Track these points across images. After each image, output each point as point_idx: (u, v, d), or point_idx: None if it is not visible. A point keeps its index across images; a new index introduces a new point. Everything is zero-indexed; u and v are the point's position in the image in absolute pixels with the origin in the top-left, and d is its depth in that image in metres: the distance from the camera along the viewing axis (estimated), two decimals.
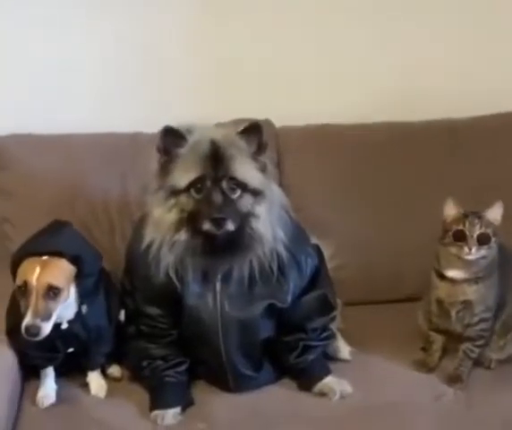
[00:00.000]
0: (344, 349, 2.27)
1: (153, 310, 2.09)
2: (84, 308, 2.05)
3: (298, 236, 2.16)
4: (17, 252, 2.04)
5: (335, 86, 2.74)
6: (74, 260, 2.00)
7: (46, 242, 2.02)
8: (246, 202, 2.00)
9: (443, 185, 2.46)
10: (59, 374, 2.12)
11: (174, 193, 1.99)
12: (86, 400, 2.10)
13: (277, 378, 2.19)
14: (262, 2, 2.69)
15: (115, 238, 2.43)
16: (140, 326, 2.12)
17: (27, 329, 1.89)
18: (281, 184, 2.44)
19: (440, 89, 2.74)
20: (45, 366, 2.09)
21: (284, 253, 2.08)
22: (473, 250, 2.09)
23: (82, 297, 2.05)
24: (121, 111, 2.64)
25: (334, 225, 2.51)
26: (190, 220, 1.99)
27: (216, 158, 1.97)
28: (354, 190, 2.58)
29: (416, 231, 2.50)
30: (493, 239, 2.11)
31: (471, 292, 2.14)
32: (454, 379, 2.16)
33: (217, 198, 1.95)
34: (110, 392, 2.13)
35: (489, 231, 2.10)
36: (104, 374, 2.18)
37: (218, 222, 1.95)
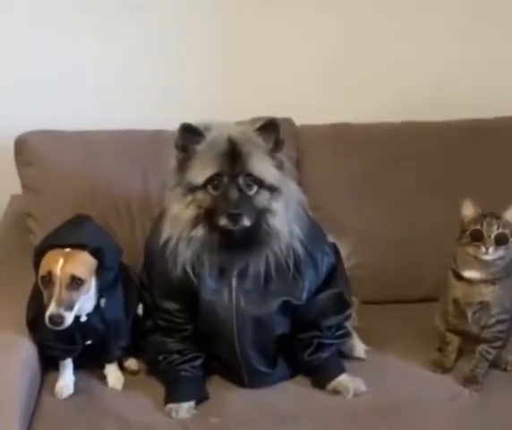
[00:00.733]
0: (359, 348, 2.28)
1: (170, 304, 2.12)
2: (103, 301, 2.09)
3: (315, 233, 2.17)
4: (40, 244, 2.08)
5: (357, 85, 2.76)
6: (96, 253, 2.03)
7: (69, 235, 2.05)
8: (263, 198, 2.02)
9: (463, 186, 2.46)
10: (77, 366, 2.16)
11: (192, 189, 2.01)
12: (103, 392, 2.13)
13: (292, 375, 2.20)
14: (281, 2, 2.70)
15: (135, 234, 2.46)
16: (157, 320, 2.15)
17: (50, 317, 1.93)
18: (301, 183, 2.44)
19: (467, 88, 2.74)
20: (64, 358, 2.12)
21: (300, 250, 2.09)
22: (491, 250, 2.08)
23: (101, 291, 2.08)
24: (144, 108, 2.69)
25: (352, 224, 2.51)
26: (207, 216, 2.02)
27: (233, 154, 1.99)
28: (373, 189, 2.58)
29: (434, 231, 2.50)
30: (511, 240, 2.09)
31: (488, 293, 2.13)
32: (470, 380, 2.16)
33: (234, 194, 1.97)
34: (127, 385, 2.16)
35: (507, 232, 2.09)
36: (121, 366, 2.21)
37: (235, 218, 1.97)
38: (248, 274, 2.07)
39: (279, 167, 2.05)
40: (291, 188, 2.10)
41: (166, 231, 2.06)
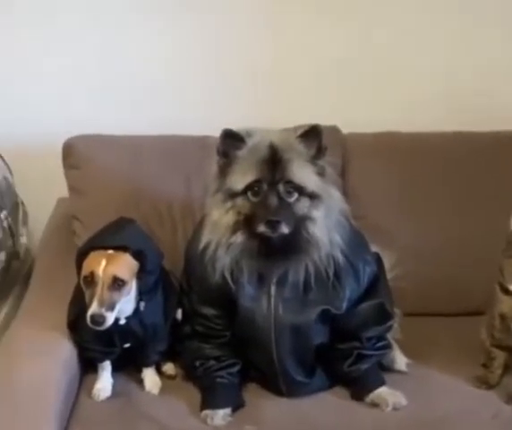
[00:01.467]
0: (400, 360, 2.24)
1: (208, 310, 2.12)
2: (142, 305, 2.09)
3: (357, 242, 2.14)
4: (83, 245, 2.10)
5: (405, 93, 2.72)
6: (137, 255, 2.05)
7: (112, 237, 2.07)
8: (303, 205, 2.00)
9: (508, 198, 2.39)
10: (115, 369, 2.17)
11: (232, 195, 2.01)
12: (140, 396, 2.13)
13: (330, 385, 2.17)
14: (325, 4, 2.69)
15: (176, 238, 2.46)
16: (195, 326, 2.14)
17: (92, 317, 1.95)
18: (345, 191, 2.43)
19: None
20: (102, 360, 2.14)
21: (340, 259, 2.06)
22: None
23: (141, 294, 2.09)
24: (191, 114, 2.70)
25: (397, 234, 2.47)
26: (246, 223, 2.01)
27: (273, 161, 1.97)
28: (419, 199, 2.53)
29: (482, 243, 2.44)
30: None
31: None
32: None
33: (273, 201, 1.96)
34: (164, 390, 2.16)
35: None
36: (159, 371, 2.21)
37: (273, 225, 1.95)
38: (287, 282, 2.05)
39: (321, 174, 2.03)
40: (333, 196, 2.08)
41: (206, 237, 2.06)
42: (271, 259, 2.04)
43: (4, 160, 2.61)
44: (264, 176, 1.97)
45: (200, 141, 2.53)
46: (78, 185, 2.54)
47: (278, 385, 2.12)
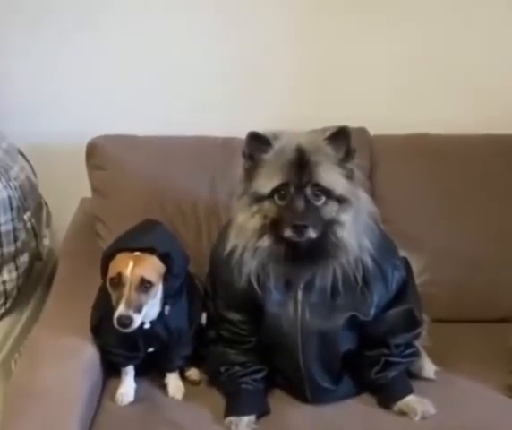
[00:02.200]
0: (428, 368, 2.19)
1: (233, 315, 2.09)
2: (167, 309, 2.07)
3: (385, 247, 2.10)
4: (109, 247, 2.08)
5: (434, 95, 2.68)
6: (164, 258, 2.02)
7: (139, 238, 2.05)
8: (331, 209, 1.97)
9: None
10: (139, 374, 2.14)
11: (258, 199, 1.97)
12: (163, 401, 2.11)
13: (357, 393, 2.13)
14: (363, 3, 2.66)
15: (201, 241, 2.43)
16: (220, 331, 2.11)
17: (119, 318, 1.92)
18: (373, 194, 2.39)
19: None
20: (126, 365, 2.11)
21: (369, 264, 2.02)
22: None
23: (166, 298, 2.06)
24: (216, 115, 2.68)
25: (426, 238, 2.43)
26: (273, 227, 1.97)
27: (300, 164, 1.94)
28: (448, 203, 2.49)
29: None
30: None
31: None
32: None
33: (300, 205, 1.92)
34: (187, 395, 2.13)
35: None
36: (182, 376, 2.18)
37: (300, 229, 1.92)
38: (314, 287, 2.01)
39: (349, 177, 1.99)
40: (361, 199, 2.04)
41: (232, 240, 2.03)
42: (298, 263, 2.00)
43: (27, 160, 2.59)
44: (291, 179, 1.94)
45: (225, 143, 2.52)
46: (101, 186, 2.52)
47: (304, 392, 2.09)
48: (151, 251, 2.01)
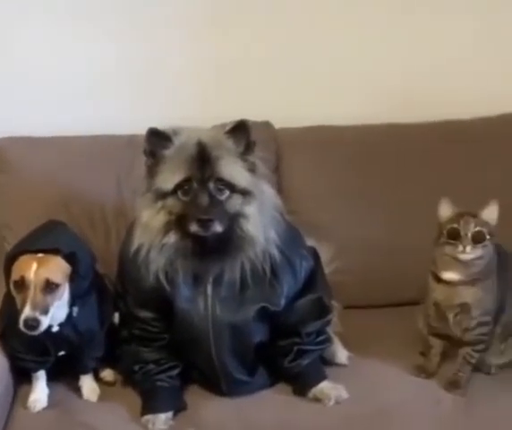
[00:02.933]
0: (341, 354, 2.24)
1: (145, 313, 2.08)
2: (75, 310, 2.04)
3: (292, 238, 2.13)
4: (12, 249, 2.05)
5: (335, 87, 2.72)
6: (69, 258, 2.00)
7: (42, 239, 2.02)
8: (235, 202, 1.98)
9: (443, 188, 2.38)
10: (51, 378, 2.12)
11: (162, 195, 1.97)
12: (78, 404, 2.09)
13: (273, 383, 2.16)
14: (261, 3, 2.67)
15: (110, 242, 2.42)
16: (133, 329, 2.11)
17: (26, 321, 1.89)
18: (280, 187, 2.43)
19: (442, 89, 2.71)
20: (36, 370, 2.08)
21: (277, 255, 2.05)
22: (468, 249, 2.04)
23: (74, 299, 2.04)
24: (118, 113, 2.65)
25: (333, 228, 2.47)
26: (178, 223, 1.98)
27: (202, 159, 1.95)
28: (354, 193, 2.54)
29: (417, 234, 2.42)
30: (488, 237, 2.05)
31: (468, 295, 2.09)
32: (453, 384, 2.12)
33: (204, 199, 1.93)
34: (103, 396, 2.12)
35: (483, 230, 2.05)
36: (97, 377, 2.17)
37: (205, 224, 1.93)
38: (223, 281, 2.02)
39: (252, 170, 2.01)
40: (265, 192, 2.06)
41: (138, 239, 2.02)
42: (206, 258, 2.01)
43: None
44: (194, 175, 1.94)
45: (129, 141, 2.49)
46: (5, 190, 2.47)
47: (220, 386, 2.10)
48: (55, 252, 1.98)
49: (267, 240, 2.03)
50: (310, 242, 2.23)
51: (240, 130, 1.99)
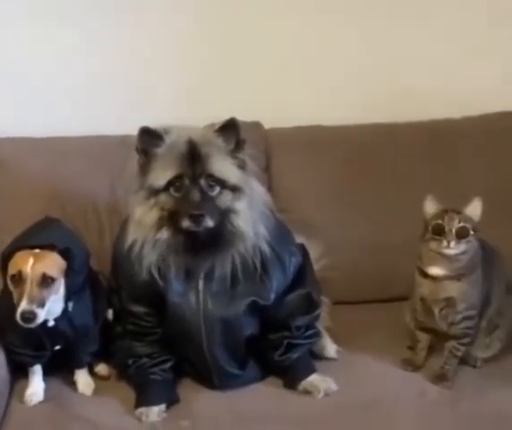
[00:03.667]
0: (330, 348, 2.28)
1: (138, 308, 2.12)
2: (70, 305, 2.08)
3: (282, 234, 2.18)
4: (8, 246, 2.08)
5: (324, 88, 2.76)
6: (64, 254, 2.04)
7: (38, 236, 2.07)
8: (225, 198, 2.03)
9: (430, 186, 2.41)
10: (47, 372, 2.15)
11: (154, 192, 2.02)
12: (73, 398, 2.13)
13: (264, 376, 2.20)
14: (251, 3, 2.72)
15: (104, 239, 2.47)
16: (126, 324, 2.15)
17: (22, 314, 1.93)
18: (270, 186, 2.48)
19: (430, 89, 2.76)
20: (32, 364, 2.12)
21: (267, 250, 2.09)
22: (452, 244, 2.08)
23: (69, 294, 2.08)
24: (111, 114, 2.69)
25: (323, 226, 2.52)
26: (170, 219, 2.02)
27: (193, 156, 2.00)
28: (342, 191, 2.59)
29: (404, 231, 2.46)
30: (472, 233, 2.10)
31: (453, 289, 2.13)
32: (439, 377, 2.16)
33: (196, 195, 1.98)
34: (97, 390, 2.16)
35: (467, 225, 2.10)
36: (92, 372, 2.21)
37: (197, 219, 1.97)
38: (214, 276, 2.07)
39: (241, 166, 2.06)
40: (254, 188, 2.11)
41: (131, 235, 2.07)
42: (198, 254, 2.05)
43: None
44: (185, 172, 1.99)
45: (121, 141, 2.52)
46: (0, 190, 2.50)
47: (211, 379, 2.14)
48: (51, 247, 2.02)
49: (256, 235, 2.08)
50: (299, 239, 2.28)
51: (230, 128, 2.04)
